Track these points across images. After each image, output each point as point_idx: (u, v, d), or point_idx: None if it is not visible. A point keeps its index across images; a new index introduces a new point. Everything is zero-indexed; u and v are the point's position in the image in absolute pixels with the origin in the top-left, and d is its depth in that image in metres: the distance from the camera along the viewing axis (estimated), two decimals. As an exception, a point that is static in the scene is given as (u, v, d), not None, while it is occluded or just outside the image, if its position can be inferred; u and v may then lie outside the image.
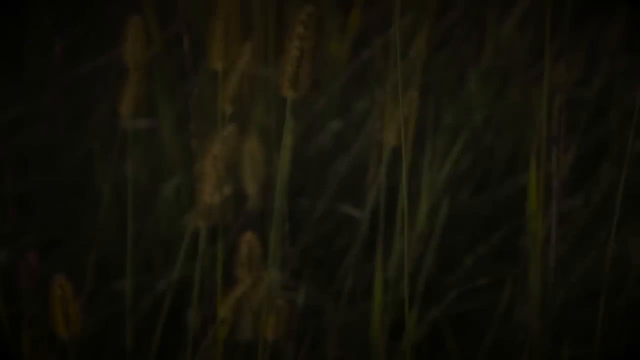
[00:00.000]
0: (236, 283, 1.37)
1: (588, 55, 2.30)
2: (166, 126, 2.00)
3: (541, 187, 1.58)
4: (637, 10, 2.30)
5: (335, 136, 2.18)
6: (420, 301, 1.70)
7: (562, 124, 1.51)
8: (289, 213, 1.51)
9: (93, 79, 2.27)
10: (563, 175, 1.54)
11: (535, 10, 2.31)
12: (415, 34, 2.24)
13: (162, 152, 2.06)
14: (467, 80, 2.25)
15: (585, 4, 2.32)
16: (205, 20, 2.24)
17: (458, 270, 1.93)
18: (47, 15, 2.38)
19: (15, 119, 2.19)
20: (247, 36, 1.89)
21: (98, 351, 1.85)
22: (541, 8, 2.30)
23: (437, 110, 2.16)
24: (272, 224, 1.30)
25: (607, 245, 1.79)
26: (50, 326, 1.35)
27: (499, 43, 2.30)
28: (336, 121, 2.18)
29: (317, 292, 1.86)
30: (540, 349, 1.60)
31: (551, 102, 1.54)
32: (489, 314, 1.86)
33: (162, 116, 2.00)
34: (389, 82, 1.61)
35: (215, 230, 1.45)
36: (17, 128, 2.18)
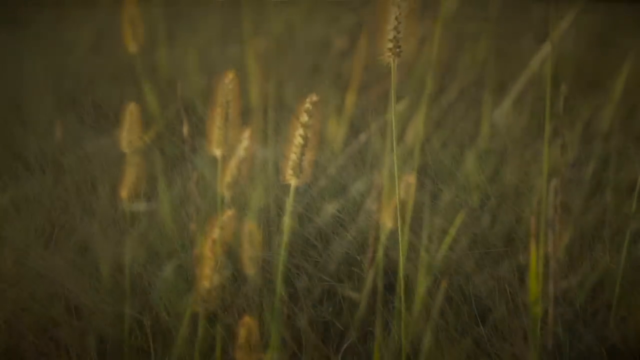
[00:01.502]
0: (235, 366, 1.37)
1: (582, 136, 2.33)
2: (165, 208, 2.01)
3: (539, 268, 1.58)
4: (628, 92, 2.33)
5: (333, 217, 2.19)
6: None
7: (558, 206, 1.52)
8: (287, 295, 1.51)
9: (94, 161, 2.28)
10: (560, 256, 1.54)
11: (531, 92, 2.33)
12: (412, 115, 2.26)
13: (161, 234, 2.07)
14: (464, 160, 2.26)
15: (579, 86, 2.36)
16: (205, 101, 2.27)
17: (457, 351, 1.93)
18: (49, 97, 2.40)
19: (16, 199, 2.20)
20: (246, 120, 1.91)
21: None
22: (536, 90, 2.33)
23: (434, 191, 2.18)
24: (271, 306, 1.30)
25: (605, 325, 1.80)
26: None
27: (495, 124, 2.32)
28: (334, 203, 2.19)
29: (316, 374, 1.86)
30: None
31: (547, 182, 1.55)
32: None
33: (161, 198, 2.01)
34: (386, 163, 1.62)
35: (215, 313, 1.45)
36: (18, 209, 2.19)
